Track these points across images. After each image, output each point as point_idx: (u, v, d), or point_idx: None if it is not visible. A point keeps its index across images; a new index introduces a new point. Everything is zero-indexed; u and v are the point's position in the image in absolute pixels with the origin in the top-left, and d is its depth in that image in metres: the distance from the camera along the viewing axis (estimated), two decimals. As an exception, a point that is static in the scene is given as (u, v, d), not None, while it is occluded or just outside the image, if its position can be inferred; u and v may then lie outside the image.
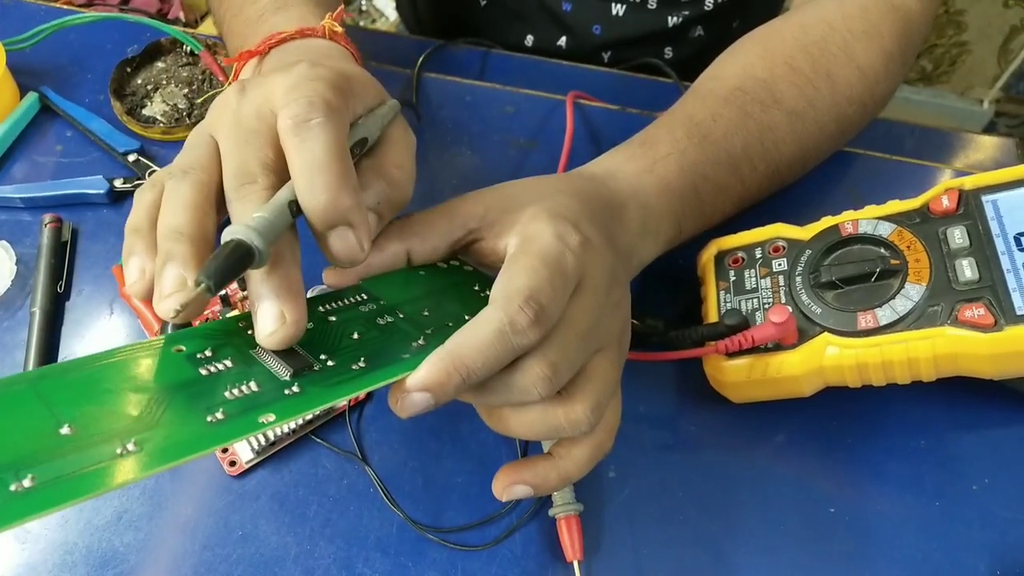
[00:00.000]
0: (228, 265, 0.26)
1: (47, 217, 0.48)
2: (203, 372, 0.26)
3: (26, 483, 0.20)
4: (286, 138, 0.29)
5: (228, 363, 0.27)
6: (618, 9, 0.65)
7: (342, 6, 0.41)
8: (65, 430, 0.22)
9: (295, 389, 0.26)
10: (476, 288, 0.34)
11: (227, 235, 0.27)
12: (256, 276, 0.28)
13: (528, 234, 0.32)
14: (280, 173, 0.30)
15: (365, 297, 0.32)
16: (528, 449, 0.41)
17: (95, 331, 0.45)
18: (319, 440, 0.41)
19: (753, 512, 0.39)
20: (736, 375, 0.39)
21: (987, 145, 0.57)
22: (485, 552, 0.38)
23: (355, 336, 0.29)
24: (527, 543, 0.38)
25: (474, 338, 0.28)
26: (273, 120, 0.30)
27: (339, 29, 0.40)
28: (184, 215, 0.29)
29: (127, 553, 0.38)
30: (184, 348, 0.27)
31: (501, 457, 0.41)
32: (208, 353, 0.27)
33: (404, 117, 0.36)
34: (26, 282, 0.46)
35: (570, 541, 0.37)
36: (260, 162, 0.30)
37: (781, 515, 0.39)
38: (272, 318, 0.27)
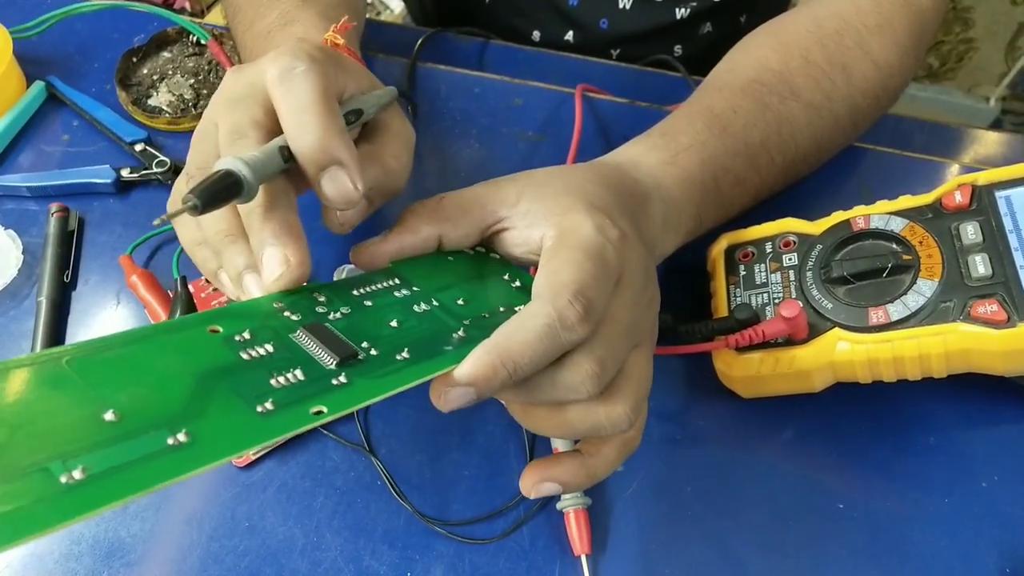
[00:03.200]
0: (215, 189, 0.27)
1: (54, 206, 0.47)
2: (244, 356, 0.25)
3: (76, 475, 0.19)
4: (272, 89, 0.30)
5: (269, 347, 0.26)
6: (625, 3, 0.65)
7: (345, 17, 0.41)
8: (109, 416, 0.21)
9: (342, 379, 0.25)
10: (506, 278, 0.34)
11: (217, 165, 0.28)
12: (255, 223, 0.29)
13: (566, 226, 0.31)
14: (271, 130, 0.31)
15: (397, 282, 0.32)
16: (536, 441, 0.41)
17: (101, 321, 0.45)
18: (326, 432, 0.41)
19: (761, 507, 0.39)
20: (746, 370, 0.39)
21: (997, 141, 0.56)
22: (493, 545, 0.38)
23: (394, 324, 0.29)
24: (535, 537, 0.38)
25: (521, 332, 0.27)
26: (263, 85, 0.31)
27: (340, 41, 0.40)
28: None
29: (133, 543, 0.38)
30: (220, 329, 0.26)
31: (509, 450, 0.41)
32: (247, 336, 0.26)
33: (400, 109, 0.37)
34: (32, 271, 0.46)
35: (578, 535, 0.37)
36: (250, 120, 0.31)
37: (789, 511, 0.39)
38: (277, 261, 0.28)
